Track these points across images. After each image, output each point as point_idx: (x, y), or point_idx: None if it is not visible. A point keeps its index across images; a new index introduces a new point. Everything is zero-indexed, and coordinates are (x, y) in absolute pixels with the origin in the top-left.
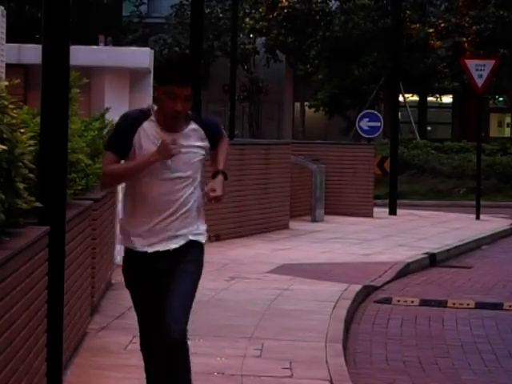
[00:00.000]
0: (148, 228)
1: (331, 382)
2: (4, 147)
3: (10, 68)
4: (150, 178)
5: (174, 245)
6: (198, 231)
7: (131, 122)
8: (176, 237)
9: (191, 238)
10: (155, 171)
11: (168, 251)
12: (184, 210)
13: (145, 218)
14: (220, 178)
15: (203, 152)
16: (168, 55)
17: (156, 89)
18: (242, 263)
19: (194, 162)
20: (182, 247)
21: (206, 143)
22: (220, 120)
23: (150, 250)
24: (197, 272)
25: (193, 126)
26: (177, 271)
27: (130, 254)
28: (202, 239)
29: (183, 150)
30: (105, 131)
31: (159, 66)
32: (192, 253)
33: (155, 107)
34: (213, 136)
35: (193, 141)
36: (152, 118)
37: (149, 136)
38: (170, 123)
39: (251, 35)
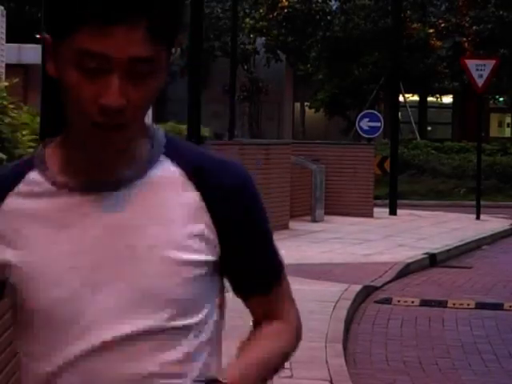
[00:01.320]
0: None
1: (331, 382)
2: (4, 156)
3: (10, 68)
4: None
5: None
6: None
7: None
8: None
9: None
10: None
11: None
12: None
13: None
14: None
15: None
16: None
17: (50, 55)
18: None
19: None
20: None
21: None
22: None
23: None
24: None
25: (167, 167)
26: None
27: None
28: None
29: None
30: None
31: None
32: None
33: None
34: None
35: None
36: (37, 167)
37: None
38: (94, 152)
39: (251, 35)
